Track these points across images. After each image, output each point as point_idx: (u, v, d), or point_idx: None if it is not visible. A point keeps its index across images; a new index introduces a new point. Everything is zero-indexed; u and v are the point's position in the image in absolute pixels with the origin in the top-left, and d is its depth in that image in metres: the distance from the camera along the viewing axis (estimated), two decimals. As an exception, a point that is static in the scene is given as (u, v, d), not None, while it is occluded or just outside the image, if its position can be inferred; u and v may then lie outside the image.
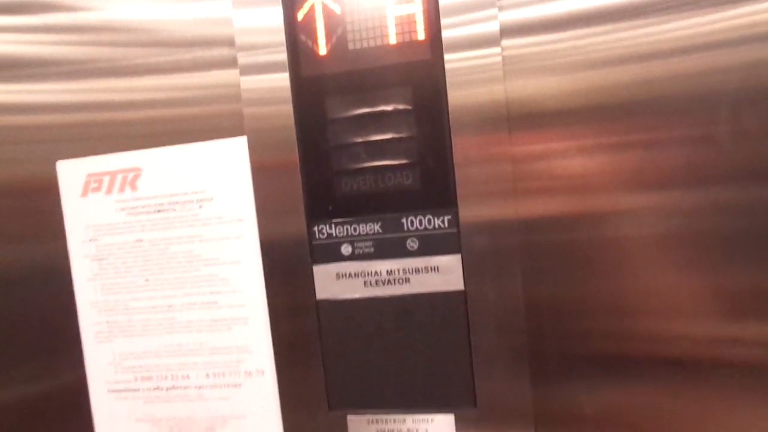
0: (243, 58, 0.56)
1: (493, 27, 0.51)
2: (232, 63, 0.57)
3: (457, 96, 0.52)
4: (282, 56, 0.55)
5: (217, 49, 0.57)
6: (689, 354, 0.51)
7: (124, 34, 0.59)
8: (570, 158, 0.52)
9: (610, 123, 0.51)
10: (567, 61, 0.51)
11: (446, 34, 0.52)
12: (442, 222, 0.54)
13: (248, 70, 0.56)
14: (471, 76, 0.52)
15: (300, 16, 0.54)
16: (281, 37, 0.55)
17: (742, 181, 0.49)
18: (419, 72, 0.53)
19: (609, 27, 0.50)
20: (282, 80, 0.55)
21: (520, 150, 0.52)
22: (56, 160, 0.62)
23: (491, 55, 0.52)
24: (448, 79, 0.52)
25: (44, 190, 0.63)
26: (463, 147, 0.53)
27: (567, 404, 0.54)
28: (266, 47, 0.55)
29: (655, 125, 0.50)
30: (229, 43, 0.57)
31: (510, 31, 0.51)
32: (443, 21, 0.52)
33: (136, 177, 0.60)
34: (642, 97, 0.50)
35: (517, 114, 0.52)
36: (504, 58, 0.52)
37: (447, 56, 0.52)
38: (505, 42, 0.51)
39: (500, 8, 0.51)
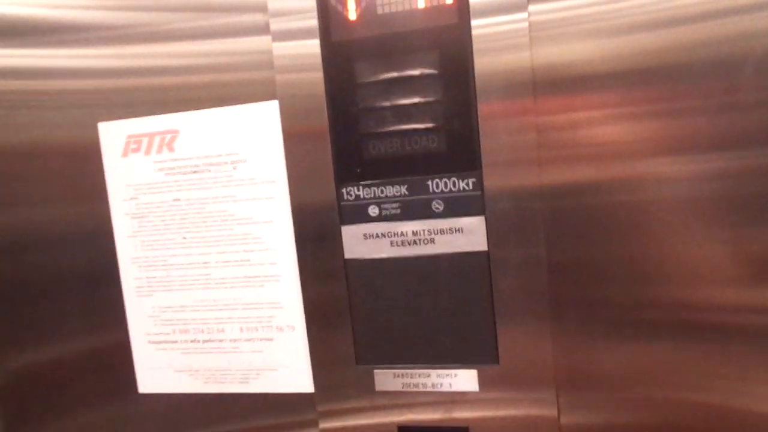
0: (275, 25, 0.58)
1: None
2: (264, 29, 0.58)
3: (483, 62, 0.53)
4: (313, 22, 0.56)
5: (250, 16, 0.59)
6: (707, 317, 0.52)
7: (160, 0, 0.61)
8: (595, 124, 0.52)
9: (636, 89, 0.51)
10: (593, 27, 0.51)
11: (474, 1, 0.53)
12: (467, 184, 0.55)
13: (280, 36, 0.58)
14: (497, 42, 0.53)
15: (330, -19, 0.55)
16: (312, 4, 0.56)
17: (766, 146, 0.49)
18: (446, 36, 0.54)
19: None
20: (313, 47, 0.57)
21: (544, 115, 0.53)
22: (95, 120, 0.65)
23: (518, 20, 0.52)
24: (474, 45, 0.53)
25: (87, 152, 0.66)
26: (488, 111, 0.54)
27: (586, 363, 0.56)
28: (298, 13, 0.57)
29: (680, 91, 0.50)
30: (262, 9, 0.58)
31: None
32: None
33: (173, 139, 0.62)
34: (668, 63, 0.50)
35: (543, 80, 0.52)
36: (530, 23, 0.52)
37: (474, 22, 0.53)
38: (531, 7, 0.52)
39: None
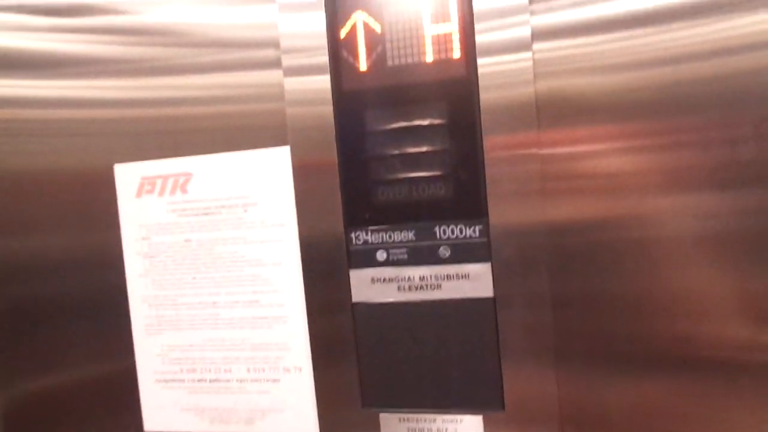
0: (287, 60, 0.59)
1: (524, 32, 0.53)
2: (277, 64, 0.60)
3: (489, 103, 0.54)
4: (323, 59, 0.58)
5: (263, 51, 0.61)
6: (717, 357, 0.53)
7: (178, 36, 0.63)
8: (599, 160, 0.53)
9: (640, 124, 0.52)
10: (599, 64, 0.53)
11: (479, 39, 0.54)
12: (473, 231, 0.56)
13: (292, 71, 0.59)
14: (503, 80, 0.54)
15: (342, 33, 0.57)
16: (323, 42, 0.58)
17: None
18: (454, 88, 0.55)
19: (638, 31, 0.52)
20: (323, 82, 0.58)
21: (550, 156, 0.54)
22: (112, 152, 0.66)
23: (522, 59, 0.54)
24: (480, 84, 0.54)
25: (101, 181, 0.67)
26: (494, 157, 0.55)
27: (592, 403, 0.56)
28: (309, 50, 0.58)
29: (683, 127, 0.51)
30: (275, 45, 0.60)
31: (541, 35, 0.53)
32: (477, 26, 0.54)
33: (186, 181, 0.64)
34: (670, 100, 0.51)
35: (548, 120, 0.54)
36: (535, 61, 0.54)
37: (480, 60, 0.54)
38: (536, 46, 0.53)
39: (532, 13, 0.53)
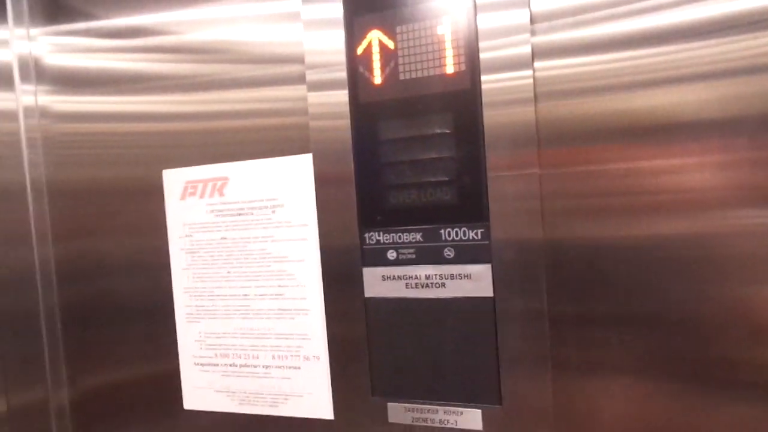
0: (310, 75, 0.65)
1: (525, 50, 0.57)
2: (301, 79, 0.66)
3: (491, 117, 0.58)
4: (342, 74, 0.64)
5: (290, 67, 0.67)
6: (702, 364, 0.54)
7: (218, 54, 0.71)
8: (597, 178, 0.56)
9: (639, 145, 0.55)
10: (601, 83, 0.55)
11: (483, 56, 0.58)
12: (476, 234, 0.60)
13: (314, 86, 0.65)
14: (505, 97, 0.58)
15: (359, 50, 0.63)
16: (342, 58, 0.64)
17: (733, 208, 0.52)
18: (459, 100, 0.59)
19: (640, 52, 0.54)
20: (342, 96, 0.64)
21: (548, 169, 0.57)
22: (160, 163, 0.75)
23: (523, 77, 0.57)
24: (483, 100, 0.58)
25: (150, 189, 0.76)
26: (495, 168, 0.58)
27: (585, 406, 0.58)
28: (330, 66, 0.64)
29: (684, 148, 0.53)
30: (300, 61, 0.66)
31: (542, 53, 0.57)
32: (481, 44, 0.58)
33: (223, 185, 0.71)
34: (669, 121, 0.53)
35: (548, 139, 0.57)
36: (536, 79, 0.57)
37: (483, 77, 0.58)
38: (537, 64, 0.57)
39: (533, 32, 0.57)
